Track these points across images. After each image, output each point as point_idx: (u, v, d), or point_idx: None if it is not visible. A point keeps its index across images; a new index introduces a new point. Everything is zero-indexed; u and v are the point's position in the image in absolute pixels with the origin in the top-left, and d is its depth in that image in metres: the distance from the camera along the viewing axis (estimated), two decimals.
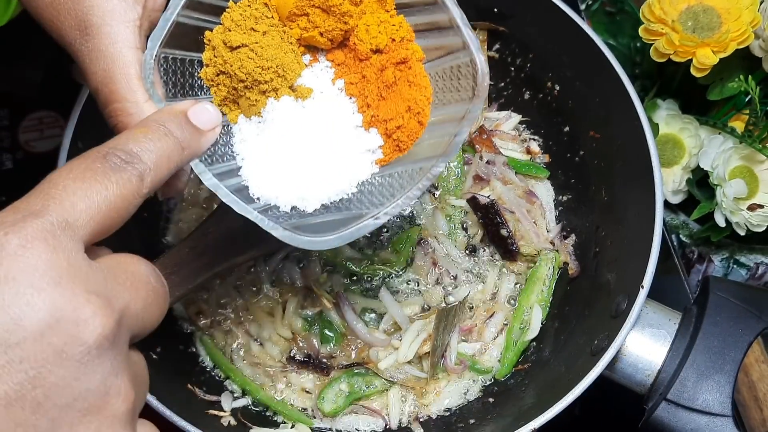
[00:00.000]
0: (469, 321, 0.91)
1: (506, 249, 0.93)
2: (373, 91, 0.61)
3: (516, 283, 0.94)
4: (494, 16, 0.96)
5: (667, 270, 0.99)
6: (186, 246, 0.69)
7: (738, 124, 0.94)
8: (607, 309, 0.80)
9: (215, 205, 0.78)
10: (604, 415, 0.97)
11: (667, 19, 0.88)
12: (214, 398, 0.83)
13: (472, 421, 0.84)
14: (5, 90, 1.14)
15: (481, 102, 0.58)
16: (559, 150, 0.98)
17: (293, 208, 0.58)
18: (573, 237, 0.94)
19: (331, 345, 0.88)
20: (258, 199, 0.58)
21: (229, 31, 0.58)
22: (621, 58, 0.98)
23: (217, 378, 0.87)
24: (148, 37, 0.57)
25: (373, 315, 0.90)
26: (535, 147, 1.00)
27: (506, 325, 0.91)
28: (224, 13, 0.59)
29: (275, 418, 0.85)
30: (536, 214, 0.96)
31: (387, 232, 0.94)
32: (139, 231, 0.89)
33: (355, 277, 0.91)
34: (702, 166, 0.92)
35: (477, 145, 0.98)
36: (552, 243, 0.95)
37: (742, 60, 0.91)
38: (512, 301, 0.92)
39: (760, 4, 0.88)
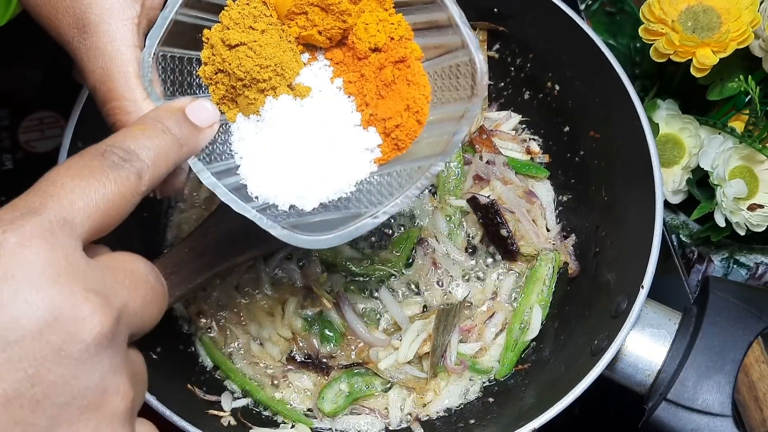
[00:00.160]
0: (469, 321, 0.91)
1: (506, 249, 0.93)
2: (372, 89, 0.61)
3: (516, 283, 0.94)
4: (494, 16, 0.96)
5: (667, 270, 0.99)
6: (186, 246, 0.69)
7: (738, 124, 0.94)
8: (607, 309, 0.80)
9: (215, 206, 0.77)
10: (604, 415, 0.97)
11: (667, 19, 0.88)
12: (214, 398, 0.83)
13: (472, 421, 0.84)
14: (5, 90, 1.14)
15: (480, 101, 0.58)
16: (559, 150, 0.98)
17: (292, 206, 0.58)
18: (573, 237, 0.94)
19: (331, 345, 0.88)
20: (256, 197, 0.57)
21: (228, 29, 0.58)
22: (621, 58, 0.98)
23: (217, 378, 0.87)
24: (146, 35, 0.57)
25: (373, 315, 0.90)
26: (535, 147, 1.00)
27: (506, 325, 0.91)
28: (223, 11, 0.59)
29: (275, 418, 0.85)
30: (536, 214, 0.96)
31: (392, 233, 0.94)
32: (139, 231, 0.89)
33: (355, 277, 0.91)
34: (702, 166, 0.92)
35: (477, 145, 0.98)
36: (552, 243, 0.95)
37: (742, 60, 0.91)
38: (512, 301, 0.92)
39: (760, 4, 0.88)
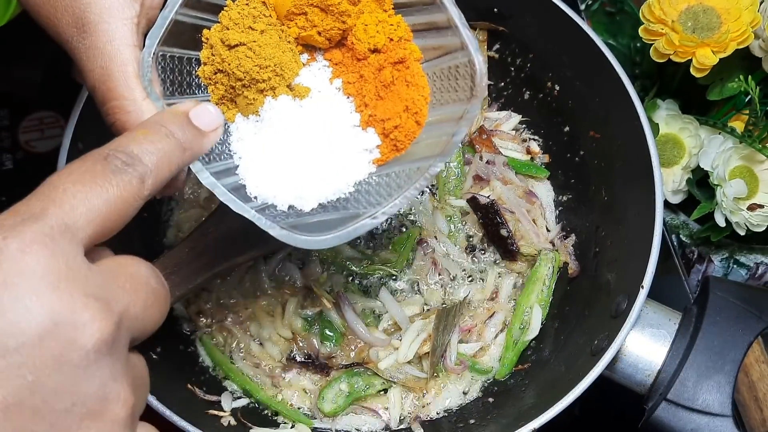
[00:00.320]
0: (469, 321, 0.91)
1: (506, 249, 0.93)
2: (371, 90, 0.61)
3: (516, 283, 0.94)
4: (494, 16, 0.96)
5: (667, 270, 0.99)
6: (186, 246, 0.69)
7: (738, 124, 0.94)
8: (607, 309, 0.80)
9: (215, 206, 0.77)
10: (604, 415, 0.97)
11: (667, 20, 0.88)
12: (214, 398, 0.83)
13: (472, 421, 0.84)
14: (5, 90, 1.14)
15: (479, 102, 0.58)
16: (559, 150, 0.98)
17: (290, 207, 0.58)
18: (573, 237, 0.94)
19: (331, 345, 0.88)
20: (255, 198, 0.57)
21: (227, 29, 0.58)
22: (621, 58, 0.98)
23: (217, 378, 0.87)
24: (145, 35, 0.57)
25: (373, 315, 0.90)
26: (535, 147, 1.00)
27: (506, 325, 0.91)
28: (222, 11, 0.59)
29: (275, 418, 0.85)
30: (536, 214, 0.96)
31: (392, 233, 0.95)
32: (139, 231, 0.89)
33: (355, 277, 0.91)
34: (702, 166, 0.92)
35: (477, 145, 0.98)
36: (552, 243, 0.95)
37: (742, 60, 0.91)
38: (512, 301, 0.92)
39: (760, 4, 0.88)
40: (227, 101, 0.60)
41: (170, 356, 0.83)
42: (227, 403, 0.83)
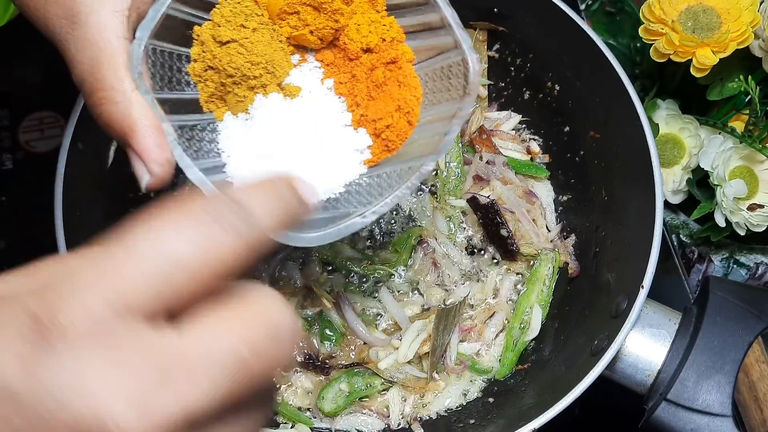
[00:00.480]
0: (469, 321, 0.91)
1: (506, 249, 0.93)
2: (363, 90, 0.61)
3: (516, 283, 0.94)
4: (494, 16, 0.96)
5: (667, 270, 0.99)
6: None
7: (738, 124, 0.94)
8: (607, 309, 0.80)
9: None
10: (604, 415, 0.97)
11: (667, 20, 0.88)
12: None
13: (472, 421, 0.84)
14: (5, 90, 1.14)
15: (472, 99, 0.58)
16: (559, 150, 0.98)
17: None
18: (573, 237, 0.94)
19: (331, 345, 0.88)
20: None
21: (219, 26, 0.58)
22: (621, 58, 0.98)
23: None
24: (135, 29, 0.56)
25: (373, 315, 0.90)
26: (535, 147, 1.00)
27: (506, 325, 0.91)
28: (214, 9, 0.59)
29: (275, 418, 0.85)
30: (536, 214, 0.96)
31: (392, 233, 0.95)
32: None
33: (355, 277, 0.91)
34: (702, 166, 0.92)
35: (477, 145, 0.98)
36: (552, 243, 0.95)
37: (742, 60, 0.91)
38: (512, 301, 0.92)
39: (760, 5, 0.88)
40: (217, 99, 0.59)
41: None
42: None
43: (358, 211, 0.56)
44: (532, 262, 0.93)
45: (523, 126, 1.02)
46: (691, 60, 0.88)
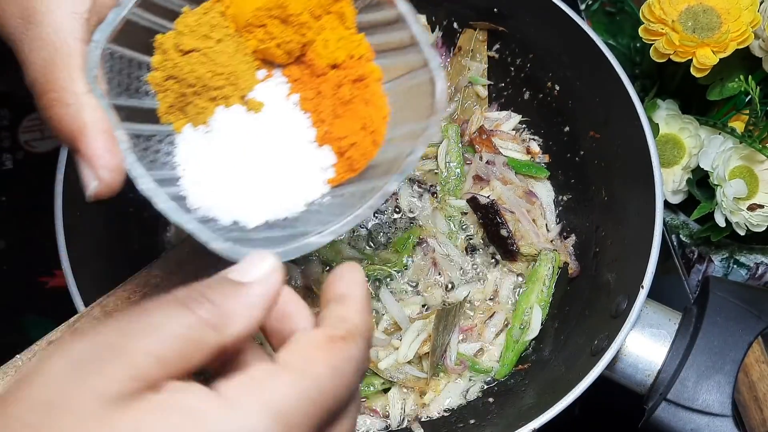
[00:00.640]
0: (469, 321, 0.91)
1: (506, 249, 0.93)
2: (328, 107, 0.59)
3: (516, 283, 0.94)
4: (494, 16, 0.96)
5: (667, 270, 0.99)
6: (186, 246, 0.69)
7: (738, 124, 0.94)
8: (607, 309, 0.80)
9: None
10: (604, 415, 0.97)
11: (667, 20, 0.88)
12: None
13: (472, 421, 0.84)
14: (5, 90, 1.14)
15: (438, 119, 0.56)
16: (559, 150, 0.98)
17: (234, 222, 0.55)
18: (573, 237, 0.94)
19: None
20: (196, 210, 0.55)
21: (183, 35, 0.56)
22: (621, 58, 0.98)
23: None
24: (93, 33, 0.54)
25: (373, 315, 0.90)
26: (535, 147, 1.00)
27: (506, 325, 0.91)
28: (179, 18, 0.57)
29: None
30: (536, 214, 0.96)
31: (392, 233, 0.95)
32: (139, 231, 0.89)
33: None
34: (702, 166, 0.92)
35: (477, 145, 0.98)
36: (552, 243, 0.95)
37: (742, 60, 0.91)
38: (512, 301, 0.92)
39: (760, 5, 0.88)
40: (176, 110, 0.57)
41: None
42: None
43: (316, 230, 0.54)
44: (532, 262, 0.93)
45: (523, 126, 1.02)
46: (691, 60, 0.88)
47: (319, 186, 0.58)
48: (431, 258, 0.92)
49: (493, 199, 0.93)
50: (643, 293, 0.75)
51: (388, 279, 0.91)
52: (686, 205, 0.99)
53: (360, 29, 0.60)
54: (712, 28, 0.88)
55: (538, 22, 0.93)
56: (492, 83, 1.02)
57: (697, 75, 0.89)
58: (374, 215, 0.95)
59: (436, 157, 0.97)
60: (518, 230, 0.94)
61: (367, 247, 0.93)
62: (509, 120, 1.01)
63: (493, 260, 0.95)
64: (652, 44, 0.90)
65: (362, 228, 0.95)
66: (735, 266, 0.98)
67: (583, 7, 1.14)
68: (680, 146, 0.96)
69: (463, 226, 0.95)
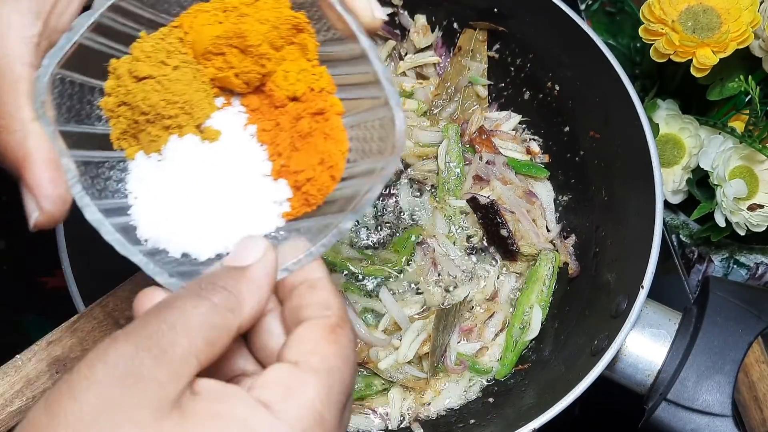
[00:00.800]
0: (469, 321, 0.91)
1: (506, 249, 0.93)
2: (286, 139, 0.57)
3: (516, 283, 0.94)
4: (494, 16, 0.96)
5: (667, 270, 0.99)
6: None
7: (738, 124, 0.95)
8: (607, 309, 0.80)
9: None
10: (604, 415, 0.97)
11: (667, 20, 0.88)
12: None
13: (472, 421, 0.84)
14: None
15: (396, 160, 0.54)
16: (559, 150, 0.98)
17: (184, 254, 0.54)
18: (573, 237, 0.94)
19: None
20: (146, 241, 0.54)
21: (138, 61, 0.54)
22: (621, 58, 0.98)
23: None
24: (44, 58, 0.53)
25: (373, 315, 0.90)
26: (535, 147, 1.00)
27: (506, 325, 0.91)
28: (134, 42, 0.55)
29: None
30: (536, 214, 0.96)
31: (392, 234, 0.95)
32: None
33: (355, 277, 0.91)
34: (702, 166, 0.92)
35: (477, 146, 0.98)
36: (552, 243, 0.95)
37: (742, 60, 0.91)
38: (512, 301, 0.92)
39: (760, 5, 0.88)
40: (129, 137, 0.56)
41: None
42: None
43: None
44: (532, 262, 0.93)
45: (523, 126, 1.02)
46: (691, 60, 0.88)
47: (273, 220, 0.56)
48: (431, 258, 0.92)
49: (493, 199, 0.93)
50: (643, 293, 0.75)
51: (388, 279, 0.91)
52: (686, 205, 0.99)
53: (322, 62, 0.58)
54: (712, 28, 0.88)
55: (538, 22, 0.93)
56: (492, 83, 1.02)
57: (697, 75, 0.89)
58: (374, 215, 0.95)
59: (436, 157, 0.97)
60: (518, 230, 0.94)
61: (367, 247, 0.93)
62: (509, 120, 1.01)
63: (493, 260, 0.95)
64: (652, 44, 0.90)
65: (362, 228, 0.95)
66: (735, 266, 0.98)
67: (583, 7, 1.14)
68: (680, 146, 0.96)
69: (463, 226, 0.95)
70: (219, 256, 0.54)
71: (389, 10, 0.99)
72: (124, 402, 0.38)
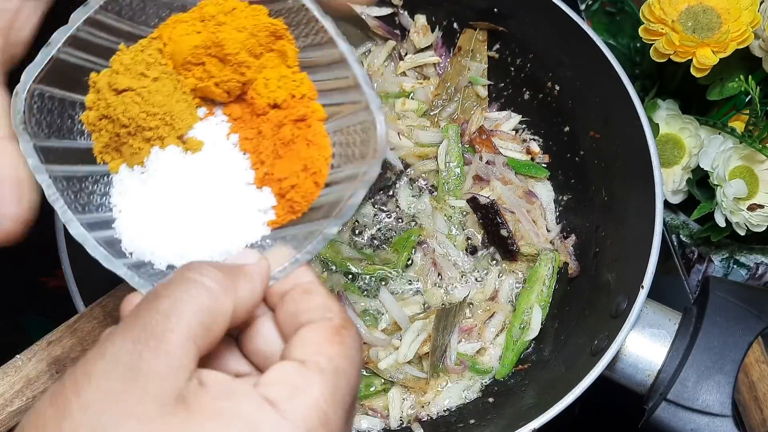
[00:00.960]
0: (469, 321, 0.91)
1: (506, 249, 0.93)
2: (269, 147, 0.57)
3: (516, 283, 0.94)
4: (494, 16, 0.96)
5: (667, 270, 0.99)
6: None
7: (738, 124, 0.95)
8: (607, 309, 0.80)
9: None
10: (604, 415, 0.97)
11: (667, 20, 0.88)
12: None
13: (472, 421, 0.84)
14: None
15: (378, 163, 0.54)
16: (559, 150, 0.98)
17: (170, 266, 0.54)
18: (573, 237, 0.94)
19: None
20: (131, 254, 0.54)
21: (117, 74, 0.54)
22: (621, 58, 0.98)
23: None
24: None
25: (373, 315, 0.90)
26: (535, 147, 1.00)
27: (506, 325, 0.91)
28: (114, 55, 0.55)
29: None
30: (536, 214, 0.96)
31: (392, 234, 0.95)
32: None
33: (355, 277, 0.91)
34: (702, 166, 0.92)
35: (477, 146, 0.98)
36: (552, 243, 0.95)
37: (742, 60, 0.91)
38: (512, 301, 0.92)
39: (760, 5, 0.88)
40: (111, 150, 0.56)
41: None
42: None
43: None
44: (532, 262, 0.93)
45: (523, 126, 1.02)
46: (691, 60, 0.88)
47: (258, 228, 0.56)
48: (431, 258, 0.92)
49: (493, 199, 0.93)
50: (643, 293, 0.75)
51: (388, 279, 0.91)
52: (686, 205, 0.99)
53: (303, 68, 0.58)
54: (712, 28, 0.88)
55: (538, 22, 0.93)
56: (492, 83, 1.02)
57: (697, 75, 0.89)
58: (375, 216, 0.95)
59: (436, 157, 0.97)
60: (518, 230, 0.94)
61: (367, 247, 0.93)
62: (509, 120, 1.01)
63: (493, 260, 0.94)
64: (652, 44, 0.90)
65: (362, 228, 0.95)
66: (735, 266, 0.99)
67: (583, 7, 1.14)
68: (680, 146, 0.96)
69: (463, 227, 0.95)
70: None
71: (389, 10, 0.99)
72: (126, 397, 0.38)
